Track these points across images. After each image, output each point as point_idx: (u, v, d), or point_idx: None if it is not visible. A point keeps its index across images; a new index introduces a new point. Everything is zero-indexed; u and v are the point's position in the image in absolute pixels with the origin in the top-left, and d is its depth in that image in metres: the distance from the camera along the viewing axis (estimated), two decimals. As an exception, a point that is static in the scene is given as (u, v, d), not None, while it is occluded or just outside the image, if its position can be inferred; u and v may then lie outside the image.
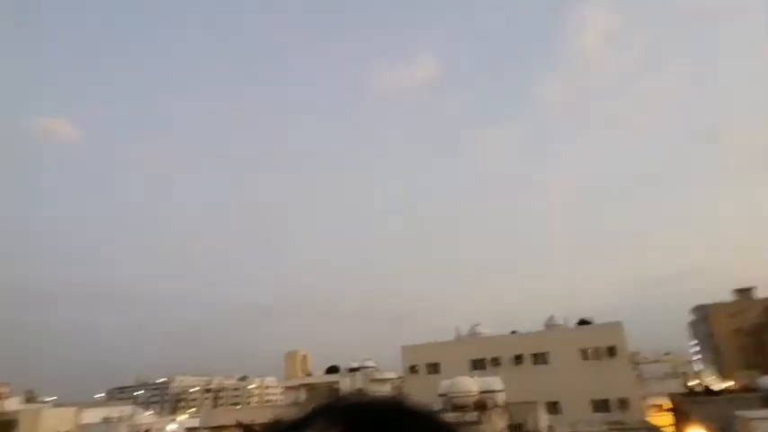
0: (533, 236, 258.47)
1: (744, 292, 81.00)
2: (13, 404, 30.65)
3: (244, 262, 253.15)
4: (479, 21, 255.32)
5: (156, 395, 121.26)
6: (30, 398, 50.52)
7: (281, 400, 65.31)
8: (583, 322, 43.77)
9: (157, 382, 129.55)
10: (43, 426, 39.99)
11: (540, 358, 40.12)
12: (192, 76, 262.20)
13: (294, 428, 0.59)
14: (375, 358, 55.36)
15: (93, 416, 45.34)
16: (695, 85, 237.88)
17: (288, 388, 57.96)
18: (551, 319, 44.67)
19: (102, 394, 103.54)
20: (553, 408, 35.72)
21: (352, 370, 53.34)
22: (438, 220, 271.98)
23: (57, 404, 50.85)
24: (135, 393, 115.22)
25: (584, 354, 39.13)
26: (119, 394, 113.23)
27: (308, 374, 64.44)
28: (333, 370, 58.65)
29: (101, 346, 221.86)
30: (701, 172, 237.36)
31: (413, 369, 43.07)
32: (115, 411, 47.78)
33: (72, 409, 46.30)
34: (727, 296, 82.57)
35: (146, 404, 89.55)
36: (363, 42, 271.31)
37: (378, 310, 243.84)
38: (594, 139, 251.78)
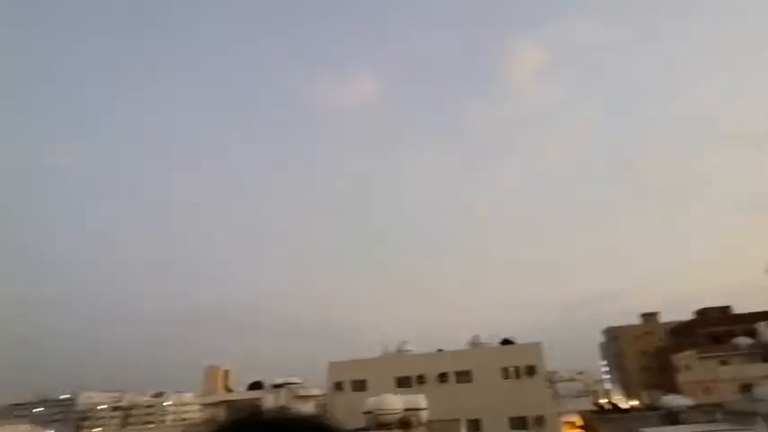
0: (462, 256, 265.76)
1: (649, 317, 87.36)
2: None
3: (164, 271, 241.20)
4: (421, 46, 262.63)
5: (60, 413, 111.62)
6: None
7: (199, 418, 62.30)
8: (506, 342, 45.31)
9: (61, 398, 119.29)
10: None
11: (463, 376, 40.99)
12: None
13: None
14: (302, 374, 54.31)
15: (-18, 435, 41.10)
16: (611, 121, 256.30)
17: (206, 405, 55.49)
18: (476, 337, 45.93)
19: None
20: (474, 425, 36.63)
21: (277, 386, 52.02)
22: (368, 236, 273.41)
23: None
24: (34, 410, 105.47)
25: (506, 372, 40.47)
26: (16, 411, 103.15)
27: (230, 390, 62.13)
28: (256, 386, 56.89)
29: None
30: (616, 201, 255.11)
31: (338, 386, 42.64)
32: (9, 430, 43.58)
33: (-43, 428, 41.78)
34: (635, 320, 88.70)
35: (47, 422, 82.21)
36: (307, 54, 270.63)
37: (306, 325, 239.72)
38: (522, 166, 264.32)
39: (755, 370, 45.29)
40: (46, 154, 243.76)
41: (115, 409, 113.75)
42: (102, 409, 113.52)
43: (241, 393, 55.44)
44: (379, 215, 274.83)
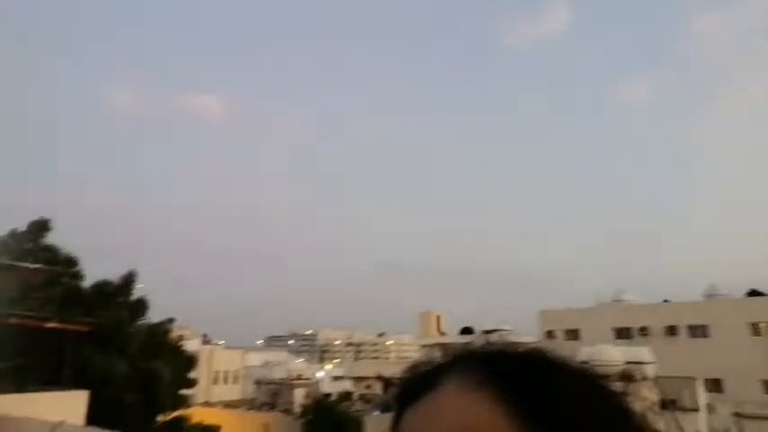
0: (689, 200, 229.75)
1: None
2: (193, 344, 36.27)
3: (387, 222, 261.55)
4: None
5: (305, 345, 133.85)
6: (205, 340, 59.03)
7: (417, 358, 67.92)
8: (753, 293, 38.48)
9: (306, 333, 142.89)
10: (216, 364, 46.65)
11: (698, 331, 36.26)
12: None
13: (434, 373, 0.55)
14: (510, 323, 54.67)
15: (255, 359, 51.66)
16: None
17: (423, 346, 59.91)
18: (712, 287, 39.88)
19: (261, 341, 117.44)
20: (715, 385, 32.24)
21: (487, 332, 53.31)
22: (581, 178, 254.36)
23: (226, 347, 58.88)
24: (288, 342, 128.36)
25: (756, 328, 34.47)
26: (274, 342, 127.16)
27: (443, 334, 65.84)
28: (467, 331, 59.27)
29: (259, 297, 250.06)
30: None
31: (550, 334, 41.75)
32: (272, 356, 53.89)
33: (239, 352, 53.28)
34: None
35: (296, 353, 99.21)
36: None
37: (515, 274, 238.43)
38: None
39: None
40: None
41: (348, 344, 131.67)
42: (337, 344, 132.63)
43: (453, 337, 58.33)
44: (583, 161, 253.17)
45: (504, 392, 0.48)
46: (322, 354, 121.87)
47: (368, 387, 41.92)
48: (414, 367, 0.62)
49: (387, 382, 39.14)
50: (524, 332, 53.86)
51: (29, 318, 13.21)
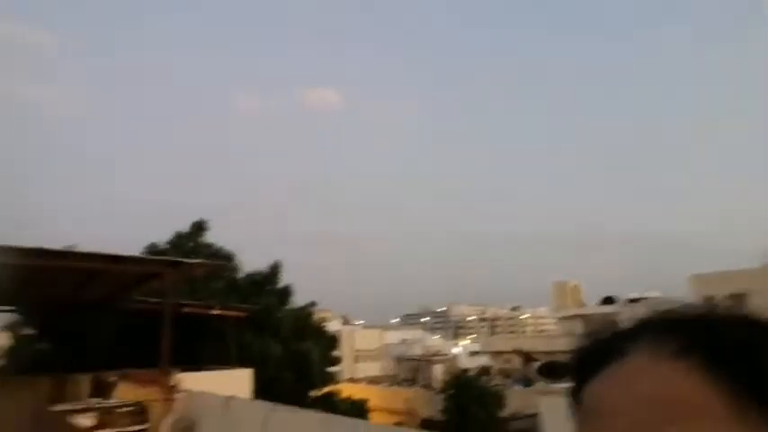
0: None
1: None
2: (334, 325, 38.99)
3: (507, 198, 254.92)
4: None
5: (439, 322, 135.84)
6: (345, 321, 62.75)
7: (556, 331, 65.40)
8: None
9: (439, 310, 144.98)
10: (357, 343, 49.48)
11: None
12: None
13: (619, 341, 0.48)
14: (657, 290, 50.17)
15: (392, 337, 53.82)
16: None
17: (561, 318, 57.60)
18: None
19: (397, 319, 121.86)
20: None
21: (632, 301, 49.59)
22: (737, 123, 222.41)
23: (365, 326, 62.17)
24: (422, 320, 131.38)
25: None
26: (409, 320, 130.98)
27: (581, 305, 62.70)
28: (609, 301, 55.65)
29: (394, 277, 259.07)
30: None
31: (709, 300, 37.41)
32: (409, 334, 55.67)
33: (377, 331, 55.95)
34: None
35: (431, 330, 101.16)
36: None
37: (655, 236, 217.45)
38: None
39: None
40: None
41: (482, 320, 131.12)
42: (470, 320, 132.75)
43: (593, 308, 55.18)
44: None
45: (712, 362, 0.42)
46: (456, 330, 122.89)
47: (506, 361, 41.43)
48: (593, 335, 0.54)
49: (526, 357, 38.33)
50: (675, 300, 49.02)
51: (197, 306, 15.20)
